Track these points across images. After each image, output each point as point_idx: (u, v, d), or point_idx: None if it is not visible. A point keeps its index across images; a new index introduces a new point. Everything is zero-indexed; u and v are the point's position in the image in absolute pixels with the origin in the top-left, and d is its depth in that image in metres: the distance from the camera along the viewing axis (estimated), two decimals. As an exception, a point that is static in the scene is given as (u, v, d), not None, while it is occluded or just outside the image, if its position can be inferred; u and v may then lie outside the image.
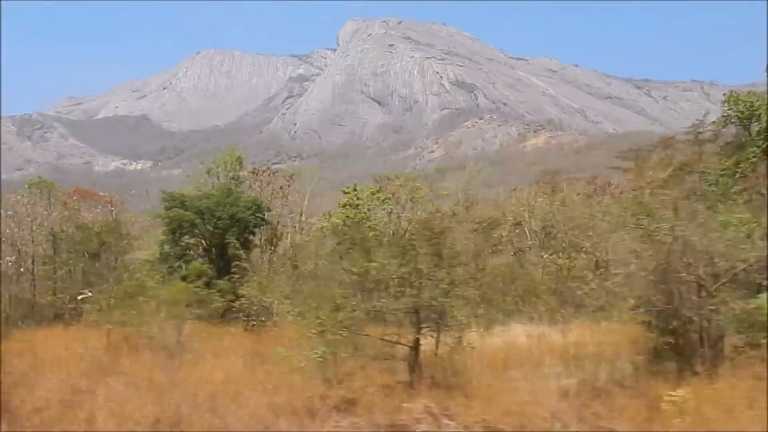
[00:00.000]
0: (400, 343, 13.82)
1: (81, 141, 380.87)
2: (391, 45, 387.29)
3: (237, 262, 28.86)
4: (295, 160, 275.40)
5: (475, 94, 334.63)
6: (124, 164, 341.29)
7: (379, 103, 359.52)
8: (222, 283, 27.08)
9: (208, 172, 38.37)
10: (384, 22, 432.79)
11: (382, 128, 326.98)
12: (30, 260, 31.49)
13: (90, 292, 25.29)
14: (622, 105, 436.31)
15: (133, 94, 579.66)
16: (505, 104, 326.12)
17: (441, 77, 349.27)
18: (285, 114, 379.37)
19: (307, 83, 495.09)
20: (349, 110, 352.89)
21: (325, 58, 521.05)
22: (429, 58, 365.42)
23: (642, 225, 13.67)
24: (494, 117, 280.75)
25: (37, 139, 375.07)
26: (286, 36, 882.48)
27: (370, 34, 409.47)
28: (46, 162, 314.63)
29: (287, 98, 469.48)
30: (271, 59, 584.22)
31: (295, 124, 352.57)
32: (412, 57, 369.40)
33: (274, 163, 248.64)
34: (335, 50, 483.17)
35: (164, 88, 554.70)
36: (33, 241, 31.61)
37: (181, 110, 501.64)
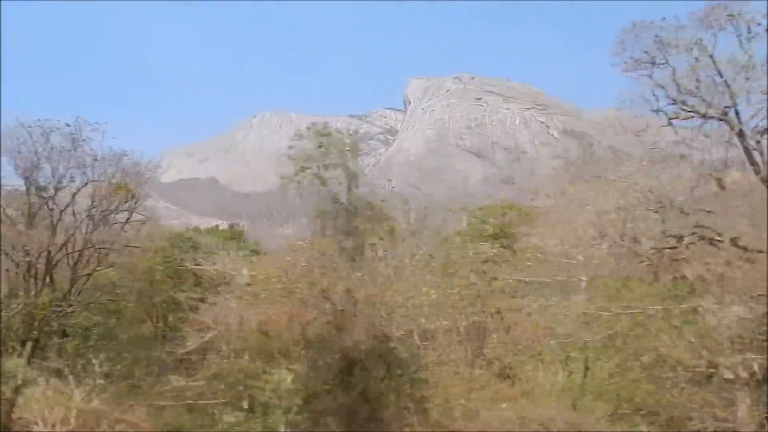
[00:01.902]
0: None
1: (171, 203, 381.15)
2: (478, 98, 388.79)
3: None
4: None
5: (588, 142, 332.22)
6: (220, 224, 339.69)
7: (477, 155, 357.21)
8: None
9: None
10: (456, 78, 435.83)
11: (487, 180, 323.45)
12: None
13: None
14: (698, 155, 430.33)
15: (189, 158, 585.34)
16: (622, 151, 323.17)
17: (548, 127, 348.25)
18: (372, 170, 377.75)
19: (372, 141, 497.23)
20: (447, 164, 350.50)
21: (385, 117, 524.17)
22: (528, 109, 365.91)
23: None
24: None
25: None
26: (339, 97, 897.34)
27: (448, 90, 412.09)
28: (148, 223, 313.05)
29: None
30: (329, 120, 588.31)
31: (389, 180, 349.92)
32: (508, 109, 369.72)
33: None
34: (399, 109, 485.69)
35: (226, 151, 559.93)
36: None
37: (247, 172, 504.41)
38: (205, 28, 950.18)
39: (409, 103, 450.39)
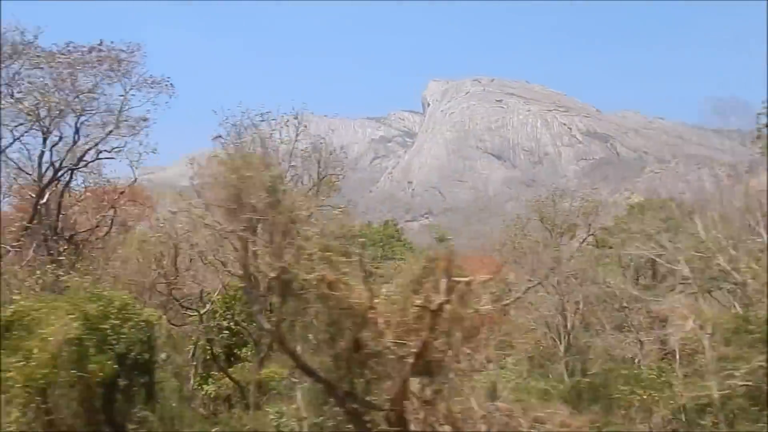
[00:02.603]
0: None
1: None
2: (498, 101, 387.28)
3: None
4: (427, 217, 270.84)
5: (611, 144, 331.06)
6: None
7: (498, 157, 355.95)
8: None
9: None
10: (475, 80, 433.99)
11: (508, 182, 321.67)
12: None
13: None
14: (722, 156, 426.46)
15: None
16: (646, 153, 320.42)
17: (570, 129, 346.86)
18: (392, 173, 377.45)
19: (390, 144, 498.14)
20: (467, 166, 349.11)
21: (403, 120, 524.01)
22: (550, 110, 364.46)
23: None
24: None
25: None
26: (356, 99, 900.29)
27: (467, 92, 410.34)
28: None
29: (374, 159, 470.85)
30: (346, 122, 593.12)
31: (410, 182, 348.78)
32: (529, 110, 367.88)
33: (407, 221, 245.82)
34: (417, 111, 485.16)
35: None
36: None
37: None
38: (215, 30, 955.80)
39: (428, 105, 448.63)
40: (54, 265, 24.87)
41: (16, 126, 29.16)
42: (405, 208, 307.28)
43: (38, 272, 23.33)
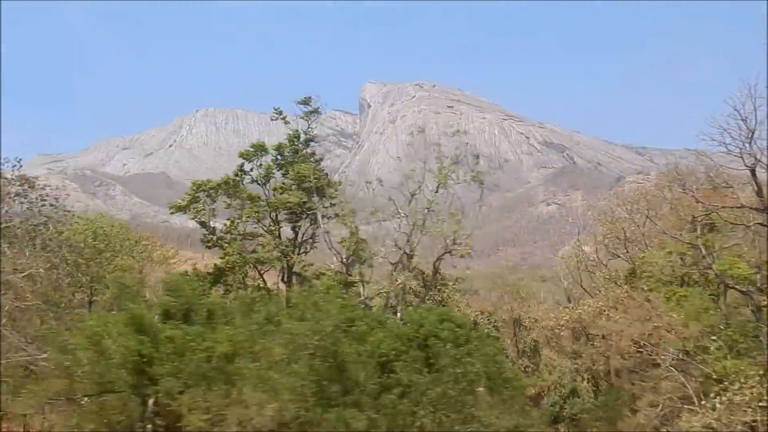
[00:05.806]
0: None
1: (142, 198, 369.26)
2: (450, 107, 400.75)
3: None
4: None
5: (568, 154, 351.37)
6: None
7: (456, 162, 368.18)
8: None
9: None
10: (417, 84, 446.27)
11: (469, 186, 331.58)
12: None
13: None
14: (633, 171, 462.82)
15: (127, 151, 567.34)
16: (599, 164, 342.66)
17: (528, 138, 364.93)
18: (345, 172, 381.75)
19: (324, 143, 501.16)
20: (426, 169, 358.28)
21: (335, 119, 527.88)
22: (505, 119, 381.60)
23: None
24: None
25: (103, 197, 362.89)
26: (282, 96, 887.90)
27: (413, 96, 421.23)
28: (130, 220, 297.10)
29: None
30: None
31: (369, 182, 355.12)
32: (484, 118, 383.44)
33: (379, 221, 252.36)
34: (348, 111, 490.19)
35: (170, 146, 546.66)
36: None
37: (197, 168, 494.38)
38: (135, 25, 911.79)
39: (369, 106, 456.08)
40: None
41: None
42: (369, 209, 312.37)
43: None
